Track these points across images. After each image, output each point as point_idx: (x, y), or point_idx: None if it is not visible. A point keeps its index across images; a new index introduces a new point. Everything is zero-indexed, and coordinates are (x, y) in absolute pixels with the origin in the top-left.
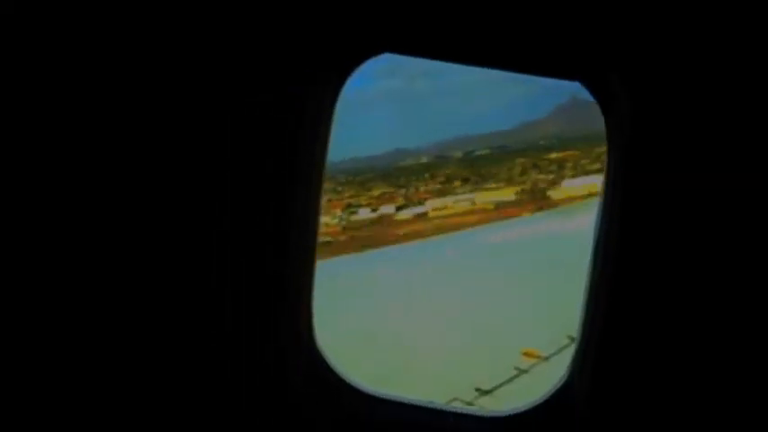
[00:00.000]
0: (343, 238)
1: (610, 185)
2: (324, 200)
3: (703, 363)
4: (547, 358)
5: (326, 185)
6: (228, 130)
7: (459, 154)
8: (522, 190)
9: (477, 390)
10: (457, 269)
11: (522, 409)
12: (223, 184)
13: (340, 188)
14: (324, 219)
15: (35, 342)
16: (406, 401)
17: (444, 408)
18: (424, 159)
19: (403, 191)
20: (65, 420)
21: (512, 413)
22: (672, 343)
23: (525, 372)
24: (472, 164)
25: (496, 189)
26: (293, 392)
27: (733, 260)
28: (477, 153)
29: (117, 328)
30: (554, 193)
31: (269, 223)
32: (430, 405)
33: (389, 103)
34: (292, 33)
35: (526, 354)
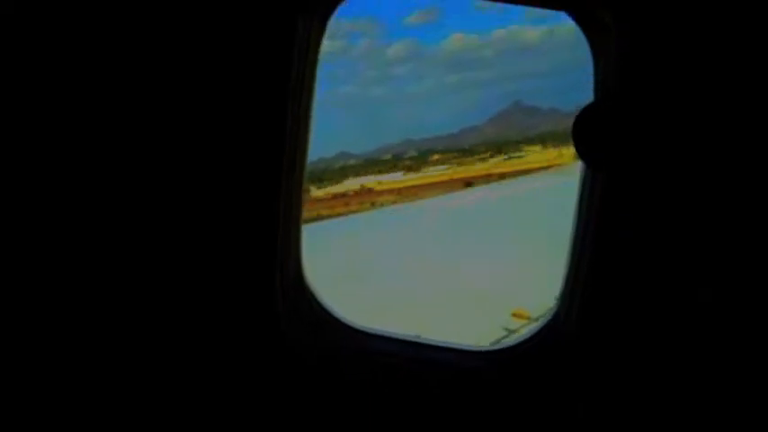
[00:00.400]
0: None
1: None
2: None
3: (687, 302)
4: (536, 319)
5: None
6: (213, 73)
7: (388, 156)
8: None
9: None
10: (431, 234)
11: (511, 344)
12: (210, 128)
13: None
14: None
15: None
16: (395, 336)
17: (432, 342)
18: (354, 161)
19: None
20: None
21: (500, 347)
22: (655, 282)
23: (514, 332)
24: (396, 164)
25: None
26: (282, 326)
27: (718, 207)
28: (407, 155)
29: (114, 283)
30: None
31: (259, 155)
32: (418, 339)
33: (343, 108)
34: None
35: (515, 314)
